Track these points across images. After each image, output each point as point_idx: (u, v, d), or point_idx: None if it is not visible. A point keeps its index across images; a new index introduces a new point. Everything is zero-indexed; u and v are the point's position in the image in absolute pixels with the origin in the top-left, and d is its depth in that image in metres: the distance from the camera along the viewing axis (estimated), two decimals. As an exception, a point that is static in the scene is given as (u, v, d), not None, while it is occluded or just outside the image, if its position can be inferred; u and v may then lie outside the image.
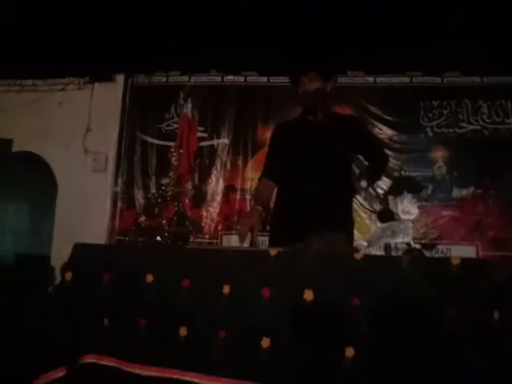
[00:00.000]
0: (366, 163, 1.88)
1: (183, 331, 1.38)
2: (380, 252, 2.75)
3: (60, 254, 4.02)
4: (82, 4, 3.75)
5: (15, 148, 4.80)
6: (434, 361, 1.19)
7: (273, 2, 3.61)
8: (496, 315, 1.22)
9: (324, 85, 2.16)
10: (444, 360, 1.18)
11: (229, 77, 4.60)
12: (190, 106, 4.58)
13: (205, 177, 4.45)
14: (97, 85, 4.80)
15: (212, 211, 4.38)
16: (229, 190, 4.40)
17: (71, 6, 3.76)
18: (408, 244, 1.62)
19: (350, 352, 1.24)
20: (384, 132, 4.30)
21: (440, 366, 1.18)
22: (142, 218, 4.36)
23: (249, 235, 2.00)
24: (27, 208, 7.60)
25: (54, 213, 4.71)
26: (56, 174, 4.72)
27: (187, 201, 4.24)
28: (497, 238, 3.95)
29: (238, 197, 4.37)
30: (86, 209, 4.50)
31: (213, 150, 4.50)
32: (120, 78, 4.76)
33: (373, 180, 1.89)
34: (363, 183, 1.92)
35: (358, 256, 1.36)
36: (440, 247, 3.98)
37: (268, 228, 2.34)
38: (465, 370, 1.18)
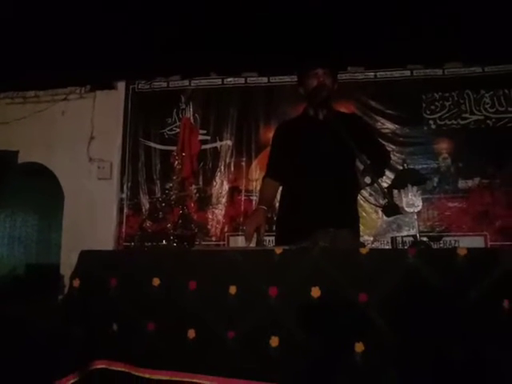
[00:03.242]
0: (368, 161, 1.87)
1: (192, 333, 1.38)
2: (387, 246, 2.74)
3: (69, 262, 4.06)
4: (79, 13, 3.77)
5: (21, 159, 4.84)
6: (444, 352, 1.18)
7: (269, 1, 3.61)
8: (506, 304, 1.20)
9: (334, 82, 2.17)
10: (454, 351, 1.17)
11: (229, 79, 4.60)
12: (191, 109, 4.60)
13: (209, 179, 4.47)
14: (98, 93, 4.83)
15: (217, 213, 4.40)
16: (233, 191, 4.41)
17: (68, 16, 3.79)
18: (414, 237, 1.60)
19: (359, 347, 1.24)
20: (386, 126, 4.29)
21: (451, 357, 1.17)
22: (148, 223, 4.38)
23: (255, 235, 2.00)
24: (35, 218, 7.67)
25: (62, 222, 4.74)
26: (62, 183, 4.75)
27: (192, 204, 4.25)
28: (505, 228, 3.93)
29: (243, 198, 4.37)
30: (93, 216, 4.53)
31: (216, 152, 4.52)
32: (121, 85, 4.79)
33: (377, 176, 1.88)
34: (367, 179, 1.91)
35: (363, 251, 1.36)
36: (448, 239, 3.96)
37: (274, 228, 2.34)
38: (477, 360, 1.17)
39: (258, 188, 4.25)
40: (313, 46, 3.70)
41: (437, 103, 4.28)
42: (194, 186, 4.34)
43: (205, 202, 4.41)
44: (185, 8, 3.81)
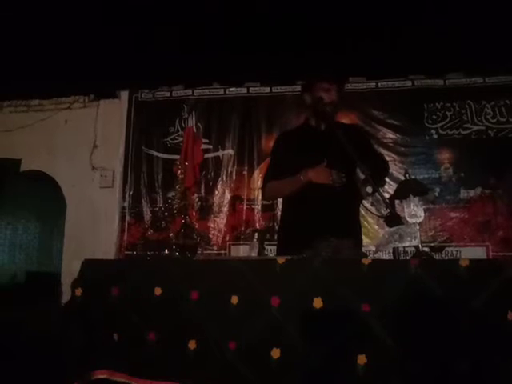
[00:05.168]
0: (368, 171, 1.87)
1: (192, 344, 1.37)
2: (389, 257, 2.73)
3: (70, 270, 4.05)
4: (83, 23, 3.81)
5: (23, 167, 4.85)
6: (448, 363, 1.17)
7: (271, 12, 3.65)
8: (510, 315, 1.20)
9: (339, 96, 2.18)
10: (458, 362, 1.16)
11: (231, 89, 4.62)
12: (194, 118, 4.61)
13: (211, 188, 4.46)
14: (102, 102, 4.85)
15: (219, 222, 4.39)
16: (235, 200, 4.40)
17: (72, 25, 3.82)
18: (416, 247, 1.60)
19: (362, 359, 1.23)
20: (388, 136, 4.29)
21: (454, 368, 1.16)
22: (150, 232, 4.38)
23: (256, 244, 2.00)
24: (37, 226, 7.68)
25: (64, 230, 4.74)
26: (64, 191, 4.76)
27: (194, 213, 4.25)
28: (507, 238, 3.91)
29: (245, 207, 4.37)
30: (95, 225, 4.53)
31: (218, 161, 4.52)
32: (124, 95, 4.81)
33: (377, 185, 1.88)
34: (369, 189, 1.91)
35: (365, 261, 1.35)
36: (449, 249, 3.94)
37: (276, 237, 2.34)
38: (481, 371, 1.16)
39: (260, 197, 4.27)
40: (315, 56, 3.72)
41: (438, 113, 4.28)
42: (195, 195, 4.35)
43: (206, 210, 4.41)
44: (188, 18, 3.84)
